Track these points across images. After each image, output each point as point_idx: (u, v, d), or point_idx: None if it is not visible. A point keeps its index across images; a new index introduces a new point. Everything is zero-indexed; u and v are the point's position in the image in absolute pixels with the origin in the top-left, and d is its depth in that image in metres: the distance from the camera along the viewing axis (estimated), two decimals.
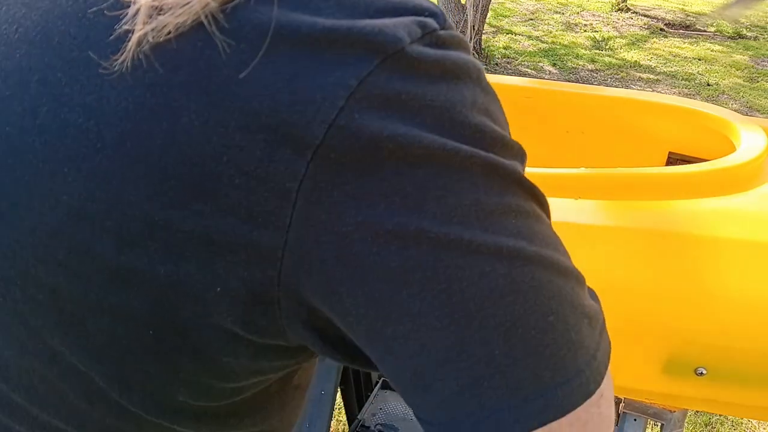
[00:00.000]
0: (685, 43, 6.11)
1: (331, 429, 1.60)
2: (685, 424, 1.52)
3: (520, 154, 0.37)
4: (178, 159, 0.33)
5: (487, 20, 5.39)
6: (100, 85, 0.34)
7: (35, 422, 0.44)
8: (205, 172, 0.32)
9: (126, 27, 0.34)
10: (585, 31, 6.40)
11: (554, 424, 0.34)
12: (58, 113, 0.35)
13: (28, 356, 0.41)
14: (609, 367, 0.37)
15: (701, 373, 0.75)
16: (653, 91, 4.73)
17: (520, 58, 5.40)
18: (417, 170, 0.32)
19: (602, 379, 0.35)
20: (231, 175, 0.32)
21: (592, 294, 0.40)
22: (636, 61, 5.50)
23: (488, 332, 0.32)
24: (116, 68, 0.34)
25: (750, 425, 1.90)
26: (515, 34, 6.14)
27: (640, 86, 4.92)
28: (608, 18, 6.95)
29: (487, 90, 0.37)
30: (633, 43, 6.03)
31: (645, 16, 7.07)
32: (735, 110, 1.65)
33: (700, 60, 5.59)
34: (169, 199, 0.33)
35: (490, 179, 0.33)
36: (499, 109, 0.38)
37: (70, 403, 0.41)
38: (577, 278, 0.37)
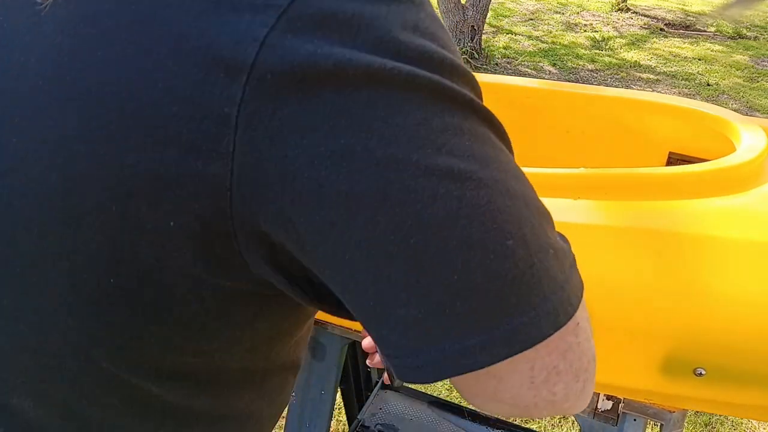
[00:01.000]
0: (685, 43, 6.11)
1: (331, 429, 1.61)
2: (685, 424, 1.52)
3: (471, 83, 0.36)
4: (114, 90, 0.32)
5: (487, 20, 5.38)
6: (37, 23, 0.34)
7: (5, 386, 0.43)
8: (141, 103, 0.31)
9: None
10: (585, 31, 6.40)
11: (530, 352, 0.33)
12: (3, 56, 0.35)
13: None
14: (584, 303, 0.36)
15: (700, 374, 0.75)
16: (653, 91, 4.73)
17: (520, 58, 5.40)
18: (359, 91, 0.31)
19: (574, 310, 0.34)
20: (168, 104, 0.31)
21: (561, 235, 0.39)
22: (636, 61, 5.50)
23: (445, 256, 0.32)
24: (50, 1, 0.33)
25: (750, 425, 1.90)
26: (515, 34, 6.14)
27: (640, 86, 4.92)
28: (608, 18, 6.95)
29: (433, 16, 0.36)
30: (633, 43, 6.02)
31: (645, 16, 7.07)
32: (735, 110, 1.65)
33: (700, 60, 5.59)
34: (109, 133, 0.32)
35: (438, 100, 0.32)
36: (447, 36, 0.36)
37: (44, 355, 0.40)
38: (540, 211, 0.36)
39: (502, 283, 0.32)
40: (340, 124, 0.30)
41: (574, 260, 0.38)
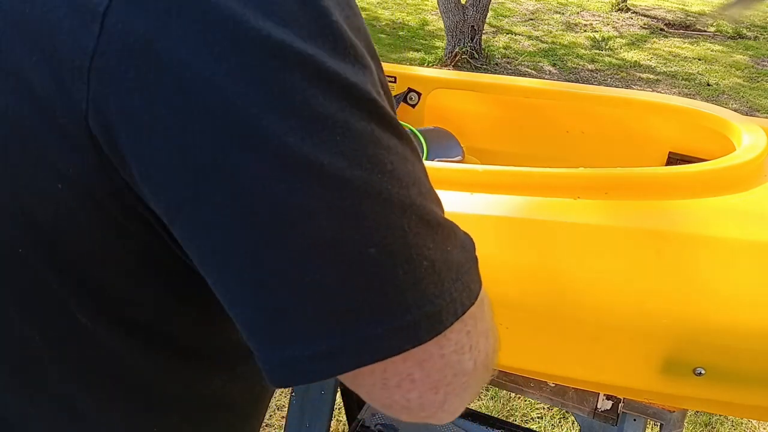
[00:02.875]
0: (685, 43, 6.11)
1: (331, 429, 1.60)
2: (685, 424, 1.52)
3: (362, 61, 0.32)
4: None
5: (487, 20, 5.38)
6: None
7: None
8: (8, 48, 0.31)
9: None
10: (585, 31, 6.40)
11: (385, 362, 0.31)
12: None
13: None
14: (472, 315, 0.34)
15: (700, 373, 0.75)
16: (653, 91, 4.73)
17: (520, 58, 5.40)
18: (226, 59, 0.28)
19: (443, 327, 0.32)
20: (30, 51, 0.30)
21: (466, 242, 0.36)
22: (636, 61, 5.50)
23: (297, 256, 0.30)
24: None
25: (750, 425, 1.90)
26: (515, 34, 6.14)
27: (640, 86, 4.92)
28: (608, 18, 6.95)
29: None
30: (633, 43, 6.02)
31: (645, 16, 7.07)
32: (735, 110, 1.65)
33: (700, 60, 5.59)
34: None
35: (312, 81, 0.29)
36: (350, 2, 0.33)
37: None
38: (424, 219, 0.33)
39: (357, 291, 0.30)
40: (193, 89, 0.28)
41: (472, 266, 0.35)
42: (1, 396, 0.42)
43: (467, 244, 0.36)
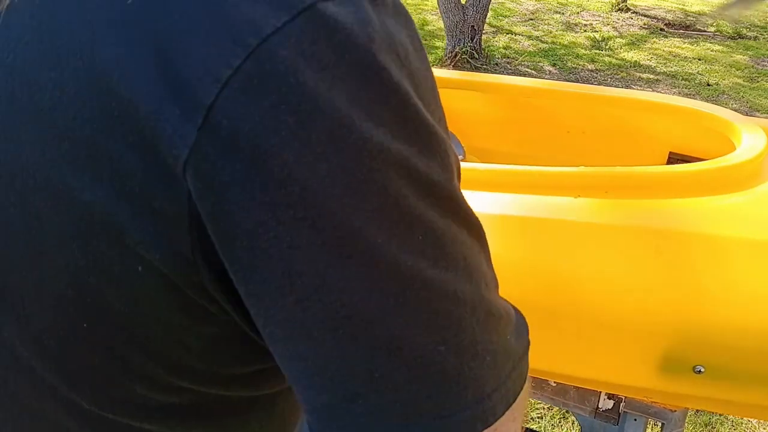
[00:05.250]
0: (685, 43, 6.11)
1: None
2: (686, 424, 1.52)
3: (444, 158, 0.32)
4: (68, 113, 0.30)
5: (487, 20, 5.38)
6: None
7: None
8: (94, 129, 0.29)
9: None
10: (585, 31, 6.40)
11: None
12: None
13: None
14: (519, 402, 0.35)
15: (699, 371, 0.75)
16: (653, 91, 4.73)
17: (520, 58, 5.40)
18: (318, 162, 0.28)
19: (495, 419, 0.33)
20: (123, 133, 0.29)
21: (521, 326, 0.38)
22: (636, 61, 5.50)
23: (368, 352, 0.30)
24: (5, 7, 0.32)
25: (750, 425, 1.90)
26: (515, 34, 6.14)
27: (640, 86, 4.92)
28: (608, 18, 6.95)
29: (424, 64, 0.33)
30: (633, 43, 6.02)
31: (645, 16, 7.07)
32: (735, 110, 1.65)
33: (700, 60, 5.59)
34: (64, 164, 0.30)
35: (402, 182, 0.30)
36: (434, 94, 0.33)
37: (21, 403, 0.39)
38: (488, 312, 0.34)
39: (423, 386, 0.31)
40: (293, 193, 0.28)
41: (526, 351, 0.36)
42: None
43: (521, 327, 0.38)
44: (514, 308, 0.38)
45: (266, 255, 0.29)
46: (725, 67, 5.45)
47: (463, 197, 0.34)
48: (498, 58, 5.37)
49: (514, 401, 0.35)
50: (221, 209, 0.29)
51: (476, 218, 0.34)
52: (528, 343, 0.37)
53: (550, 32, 6.31)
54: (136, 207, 0.30)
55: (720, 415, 1.92)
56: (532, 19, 6.77)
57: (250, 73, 0.28)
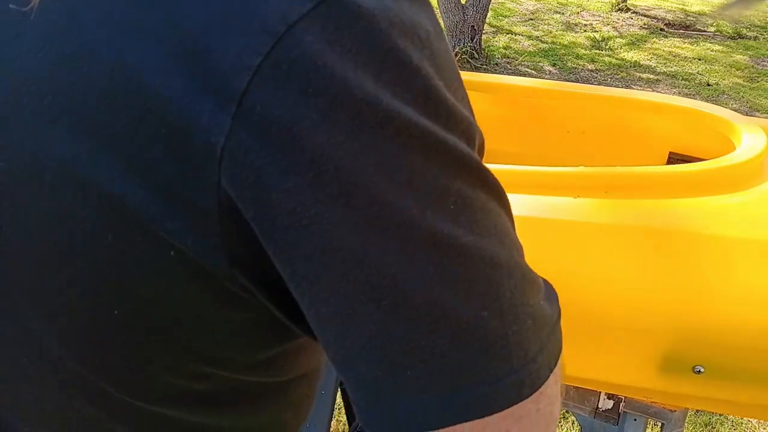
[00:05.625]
0: (685, 43, 6.11)
1: (331, 429, 1.60)
2: (685, 424, 1.52)
3: (469, 130, 0.34)
4: (98, 109, 0.31)
5: (487, 20, 5.38)
6: (19, 33, 0.33)
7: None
8: (127, 123, 0.30)
9: None
10: (585, 31, 6.40)
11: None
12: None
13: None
14: (558, 366, 0.36)
15: (699, 371, 0.75)
16: (653, 91, 4.73)
17: (520, 58, 5.40)
18: (349, 141, 0.29)
19: (541, 382, 0.34)
20: (156, 124, 0.30)
21: (550, 293, 0.38)
22: (636, 61, 5.50)
23: (413, 322, 0.31)
24: (30, 7, 0.32)
25: (750, 425, 1.90)
26: (515, 34, 6.14)
27: (640, 86, 4.92)
28: (608, 18, 6.95)
29: (444, 45, 0.34)
30: (633, 43, 6.02)
31: (645, 16, 7.07)
32: (735, 110, 1.65)
33: (700, 60, 5.59)
34: (95, 157, 0.31)
35: (429, 155, 0.31)
36: (455, 74, 0.34)
37: (48, 395, 0.40)
38: (525, 277, 0.35)
39: (469, 353, 0.32)
40: (327, 172, 0.29)
41: (558, 317, 0.37)
42: None
43: (551, 294, 0.39)
44: (542, 278, 0.39)
45: (307, 233, 0.30)
46: (725, 67, 5.45)
47: (488, 169, 0.35)
48: (498, 58, 5.37)
49: (556, 364, 0.36)
50: (260, 193, 0.30)
51: (503, 189, 0.35)
52: (559, 310, 0.38)
53: (550, 32, 6.31)
54: (166, 198, 0.31)
55: (720, 415, 1.92)
56: (532, 19, 6.77)
57: (278, 59, 0.29)
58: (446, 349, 0.31)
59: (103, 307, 0.35)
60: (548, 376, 0.35)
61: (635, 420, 0.92)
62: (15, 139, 0.33)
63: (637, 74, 5.20)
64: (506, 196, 0.36)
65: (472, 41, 5.07)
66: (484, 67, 5.09)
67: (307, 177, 0.29)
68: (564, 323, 0.40)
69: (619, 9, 7.20)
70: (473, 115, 0.35)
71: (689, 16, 7.14)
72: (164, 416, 0.41)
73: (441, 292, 0.31)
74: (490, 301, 0.32)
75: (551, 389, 0.36)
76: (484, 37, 5.39)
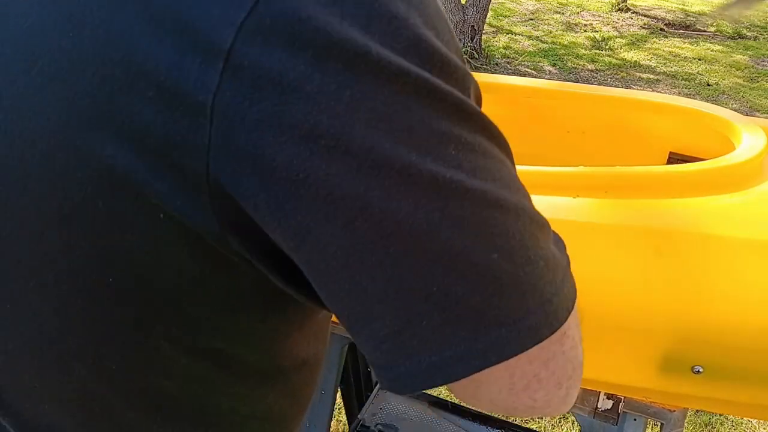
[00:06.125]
0: (685, 43, 6.11)
1: (331, 429, 1.61)
2: (685, 424, 1.52)
3: (464, 81, 0.34)
4: (86, 75, 0.31)
5: (487, 20, 5.38)
6: (7, 2, 0.33)
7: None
8: (114, 87, 0.30)
9: None
10: (585, 31, 6.40)
11: (511, 361, 0.33)
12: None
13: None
14: (576, 310, 0.36)
15: (698, 371, 0.75)
16: (653, 91, 4.73)
17: (520, 58, 5.40)
18: (342, 89, 0.29)
19: (559, 324, 0.34)
20: (143, 88, 0.30)
21: (559, 241, 0.38)
22: (636, 61, 5.50)
23: (425, 269, 0.31)
24: None
25: (750, 425, 1.90)
26: (515, 34, 6.14)
27: (640, 86, 4.92)
28: (608, 18, 6.95)
29: (435, 6, 0.34)
30: (633, 43, 6.02)
31: (645, 16, 7.07)
32: (735, 110, 1.65)
33: (700, 60, 5.59)
34: (84, 121, 0.31)
35: (426, 103, 0.31)
36: (446, 27, 0.34)
37: (48, 371, 0.39)
38: (534, 220, 0.34)
39: (483, 297, 0.31)
40: (322, 124, 0.29)
41: (568, 265, 0.37)
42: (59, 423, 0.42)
43: (560, 242, 0.39)
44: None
45: (306, 184, 0.29)
46: (725, 67, 5.44)
47: (487, 117, 0.34)
48: (498, 58, 5.37)
49: (573, 307, 0.35)
50: (254, 148, 0.29)
51: (503, 135, 0.35)
52: (568, 258, 0.38)
53: (550, 32, 6.31)
54: (154, 161, 0.31)
55: (720, 415, 1.92)
56: (532, 19, 6.77)
57: (262, 13, 0.29)
58: (460, 294, 0.31)
59: (97, 276, 0.35)
60: (566, 318, 0.34)
61: (635, 420, 0.92)
62: (6, 106, 0.33)
63: (637, 74, 5.19)
64: (507, 142, 0.35)
65: (472, 41, 5.06)
66: (484, 67, 5.08)
67: (301, 129, 0.29)
68: None
69: (619, 9, 7.19)
70: (465, 65, 0.35)
71: (689, 16, 7.14)
72: (164, 393, 0.40)
73: (449, 237, 0.31)
74: (501, 243, 0.32)
75: (573, 332, 0.36)
76: (484, 37, 5.38)
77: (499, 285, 0.32)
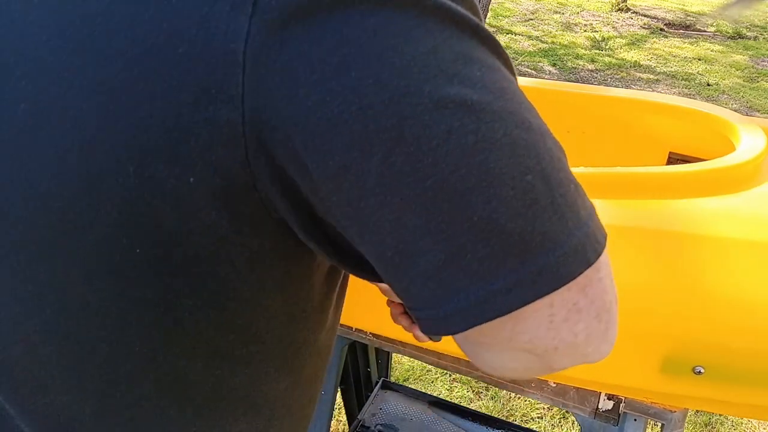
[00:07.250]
0: (685, 43, 6.11)
1: (331, 429, 1.61)
2: (685, 424, 1.52)
3: (474, 9, 0.34)
4: (116, 36, 0.31)
5: (487, 20, 5.38)
6: None
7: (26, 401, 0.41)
8: (146, 46, 0.30)
9: None
10: (584, 31, 6.40)
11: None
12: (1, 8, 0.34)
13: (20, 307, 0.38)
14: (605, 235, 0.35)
15: (699, 372, 0.75)
16: (653, 91, 4.73)
17: (520, 58, 5.40)
18: (367, 19, 0.29)
19: (601, 247, 0.33)
20: (174, 44, 0.30)
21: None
22: (636, 61, 5.50)
23: (464, 196, 0.30)
24: None
25: (750, 425, 1.90)
26: (515, 34, 6.14)
27: (640, 86, 4.92)
28: (608, 18, 6.95)
29: None
30: (633, 43, 6.02)
31: (645, 16, 7.07)
32: (735, 110, 1.65)
33: (700, 60, 5.59)
34: (117, 84, 0.31)
35: (446, 27, 0.31)
36: None
37: (71, 348, 0.39)
38: (557, 144, 0.34)
39: (525, 221, 0.31)
40: (350, 56, 0.29)
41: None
42: (78, 404, 0.42)
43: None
44: None
45: (342, 120, 0.29)
46: (725, 67, 5.45)
47: (502, 46, 0.35)
48: None
49: (606, 235, 0.34)
50: (287, 91, 0.30)
51: (505, 52, 0.35)
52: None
53: (550, 32, 6.31)
54: (188, 118, 0.31)
55: (720, 415, 1.92)
56: (531, 19, 6.77)
57: None
58: (501, 221, 0.30)
59: (124, 247, 0.35)
60: (605, 242, 0.34)
61: (635, 420, 0.92)
62: (34, 76, 0.33)
63: (637, 74, 5.19)
64: (512, 65, 0.36)
65: None
66: None
67: (331, 63, 0.29)
68: None
69: (619, 9, 7.19)
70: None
71: (689, 16, 7.14)
72: (183, 369, 0.40)
73: (483, 160, 0.30)
74: (533, 164, 0.31)
75: (607, 259, 0.35)
76: None
77: (539, 207, 0.31)
